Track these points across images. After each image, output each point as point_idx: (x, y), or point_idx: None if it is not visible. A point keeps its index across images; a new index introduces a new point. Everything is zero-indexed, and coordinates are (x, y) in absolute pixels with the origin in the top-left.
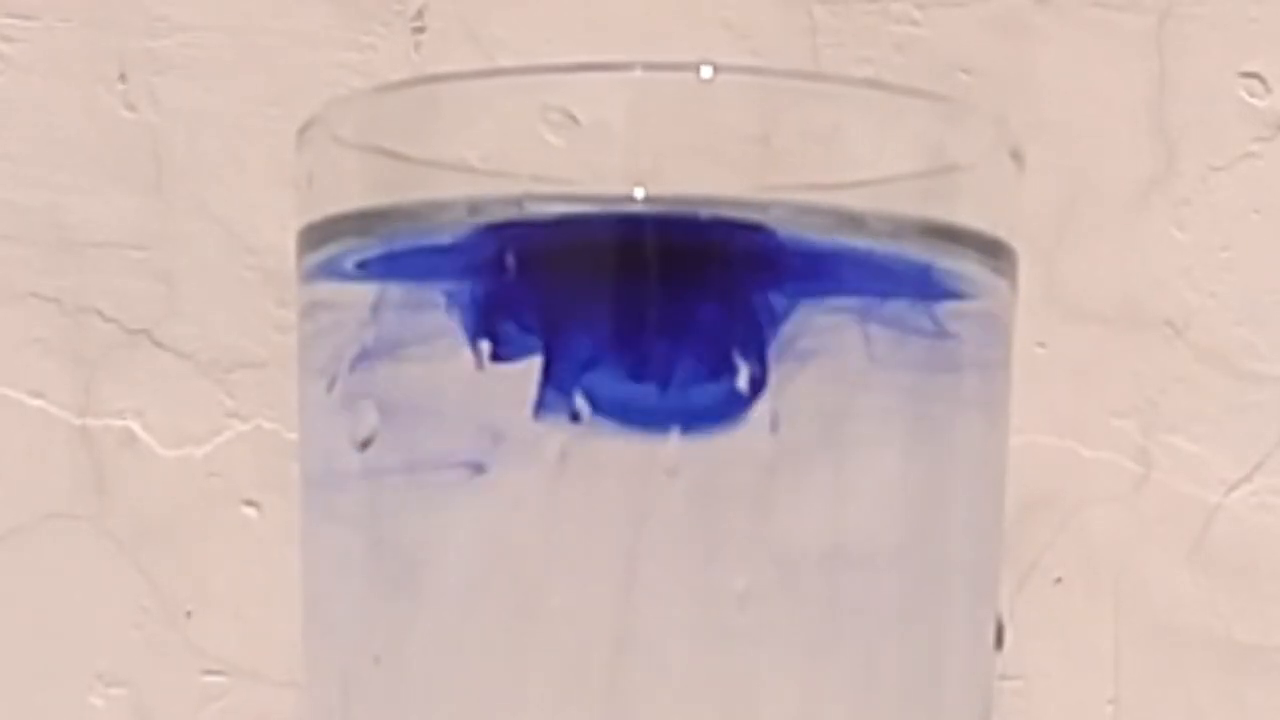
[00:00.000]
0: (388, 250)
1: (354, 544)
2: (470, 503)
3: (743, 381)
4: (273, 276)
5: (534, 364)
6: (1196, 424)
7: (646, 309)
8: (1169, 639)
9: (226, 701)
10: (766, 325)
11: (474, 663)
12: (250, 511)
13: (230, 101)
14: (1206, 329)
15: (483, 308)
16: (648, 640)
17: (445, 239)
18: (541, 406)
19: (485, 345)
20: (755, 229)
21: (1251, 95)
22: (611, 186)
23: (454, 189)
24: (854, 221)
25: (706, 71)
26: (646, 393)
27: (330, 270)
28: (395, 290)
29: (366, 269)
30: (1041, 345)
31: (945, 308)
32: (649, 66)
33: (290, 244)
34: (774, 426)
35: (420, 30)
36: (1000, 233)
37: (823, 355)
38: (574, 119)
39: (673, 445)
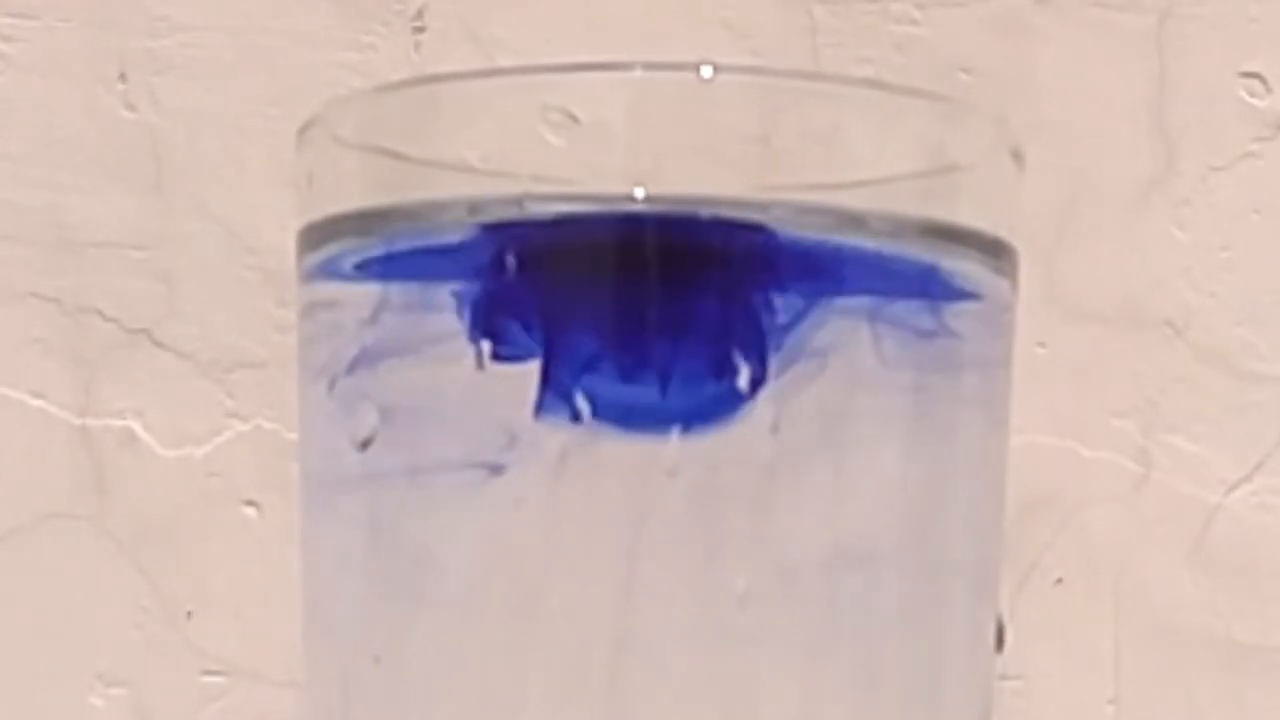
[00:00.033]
0: (388, 250)
1: (354, 544)
2: (470, 503)
3: (743, 381)
4: (273, 276)
5: (534, 364)
6: (1196, 424)
7: (646, 309)
8: (1169, 639)
9: (226, 701)
10: (766, 325)
11: (474, 663)
12: (250, 511)
13: (230, 101)
14: (1206, 329)
15: (483, 308)
16: (648, 640)
17: (445, 239)
18: (541, 407)
19: (485, 345)
20: (755, 229)
21: (1251, 95)
22: (611, 186)
23: (454, 189)
24: (854, 221)
25: (706, 71)
26: (647, 393)
27: (330, 270)
28: (395, 290)
29: (366, 269)
30: (1041, 345)
31: (946, 308)
32: (649, 66)
33: (290, 244)
34: (774, 427)
35: (420, 30)
36: (1000, 233)
37: (822, 355)
38: (574, 119)
39: (673, 445)
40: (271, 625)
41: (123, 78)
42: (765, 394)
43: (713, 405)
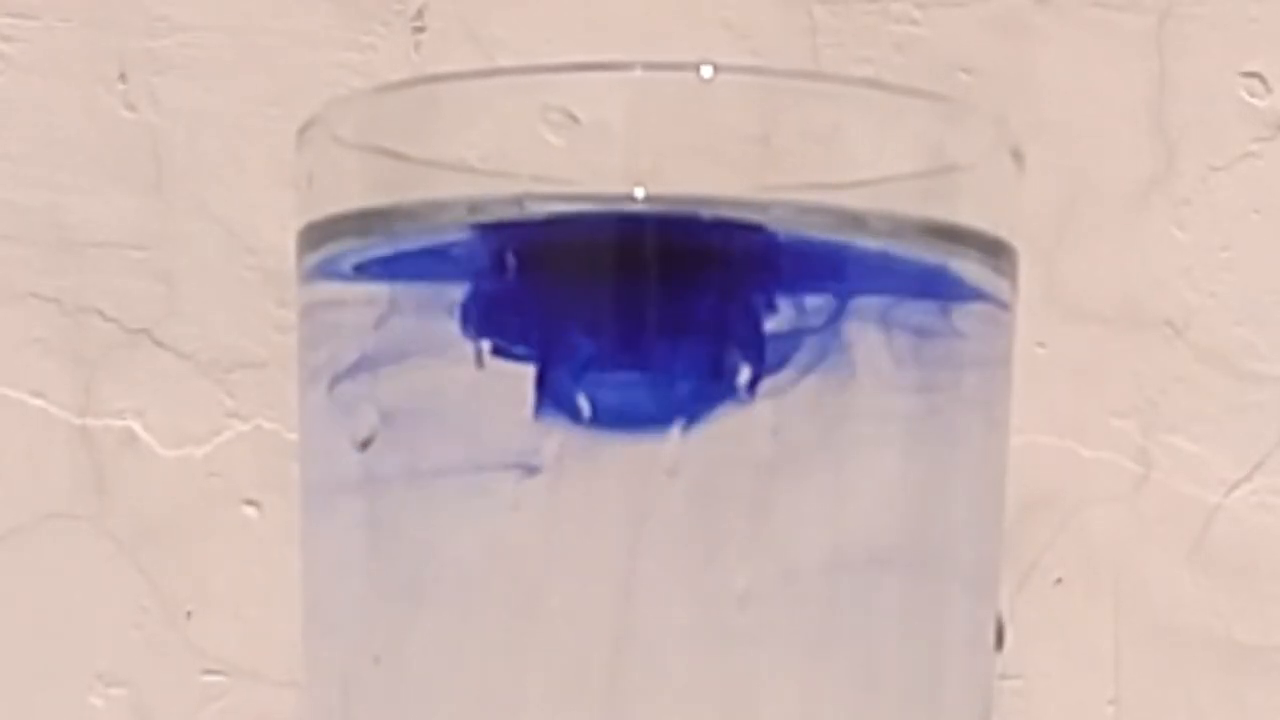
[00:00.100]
0: (388, 250)
1: (354, 544)
2: (470, 503)
3: (743, 381)
4: (273, 276)
5: (534, 364)
6: (1196, 424)
7: (646, 309)
8: (1169, 639)
9: (226, 701)
10: (766, 325)
11: (474, 663)
12: (250, 511)
13: (230, 101)
14: (1206, 329)
15: (483, 307)
16: (648, 640)
17: (445, 239)
18: (541, 407)
19: (485, 345)
20: (755, 229)
21: (1251, 95)
22: (611, 186)
23: (454, 189)
24: (854, 221)
25: (706, 71)
26: (647, 393)
27: (330, 270)
28: (395, 290)
29: (366, 269)
30: (1041, 345)
31: (945, 308)
32: (649, 66)
33: (290, 244)
34: (774, 427)
35: (420, 30)
36: (1000, 233)
37: (822, 355)
38: (574, 119)
39: (673, 445)
40: (271, 625)
41: (123, 78)
42: (765, 394)
43: (713, 405)
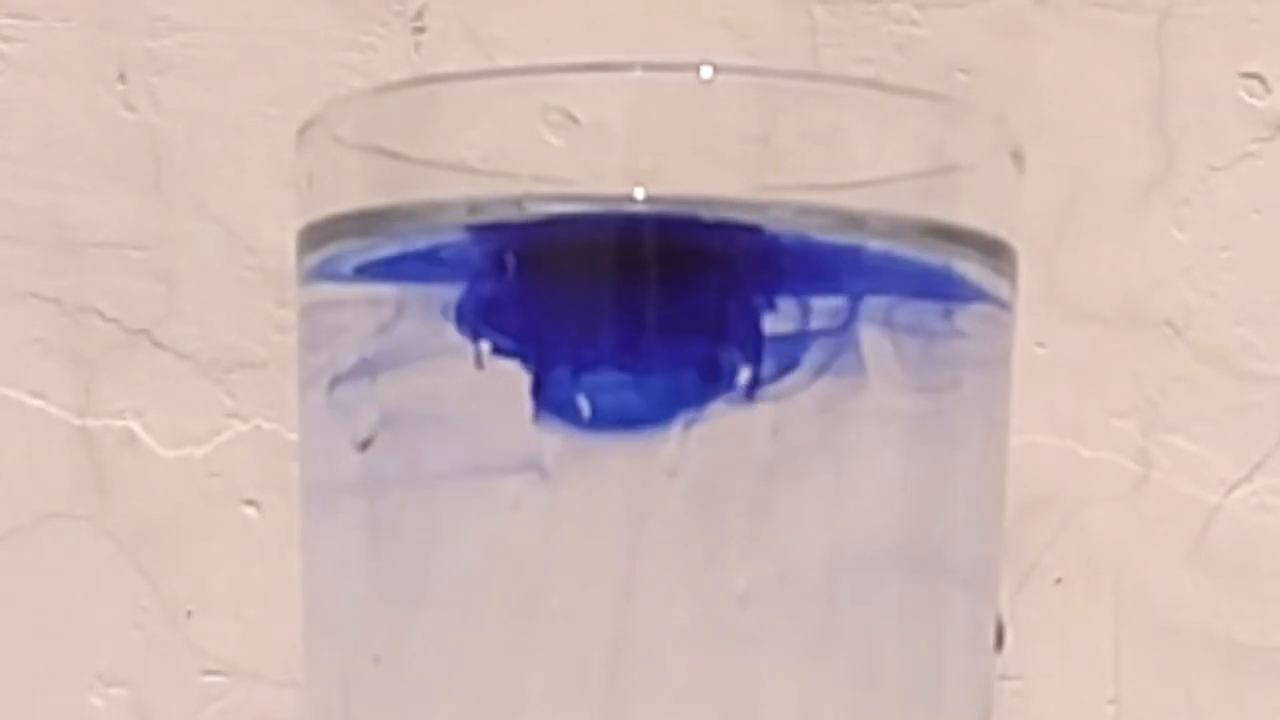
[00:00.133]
0: (387, 250)
1: (354, 544)
2: (470, 503)
3: (742, 381)
4: (273, 276)
5: (533, 365)
6: (1196, 424)
7: (646, 309)
8: (1169, 639)
9: (226, 701)
10: (766, 326)
11: (474, 663)
12: (250, 511)
13: (230, 101)
14: (1206, 329)
15: (482, 308)
16: (647, 641)
17: (445, 239)
18: (541, 407)
19: (485, 345)
20: (755, 229)
21: (1251, 95)
22: (611, 186)
23: (454, 189)
24: (854, 221)
25: (706, 71)
26: (646, 393)
27: (330, 270)
28: (395, 290)
29: (366, 269)
30: (1041, 345)
31: (945, 308)
32: (649, 66)
33: (290, 244)
34: (774, 427)
35: (420, 30)
36: (1000, 233)
37: (822, 355)
38: (574, 119)
39: (673, 445)
40: (271, 625)
41: (123, 78)
42: (764, 395)
43: (712, 406)
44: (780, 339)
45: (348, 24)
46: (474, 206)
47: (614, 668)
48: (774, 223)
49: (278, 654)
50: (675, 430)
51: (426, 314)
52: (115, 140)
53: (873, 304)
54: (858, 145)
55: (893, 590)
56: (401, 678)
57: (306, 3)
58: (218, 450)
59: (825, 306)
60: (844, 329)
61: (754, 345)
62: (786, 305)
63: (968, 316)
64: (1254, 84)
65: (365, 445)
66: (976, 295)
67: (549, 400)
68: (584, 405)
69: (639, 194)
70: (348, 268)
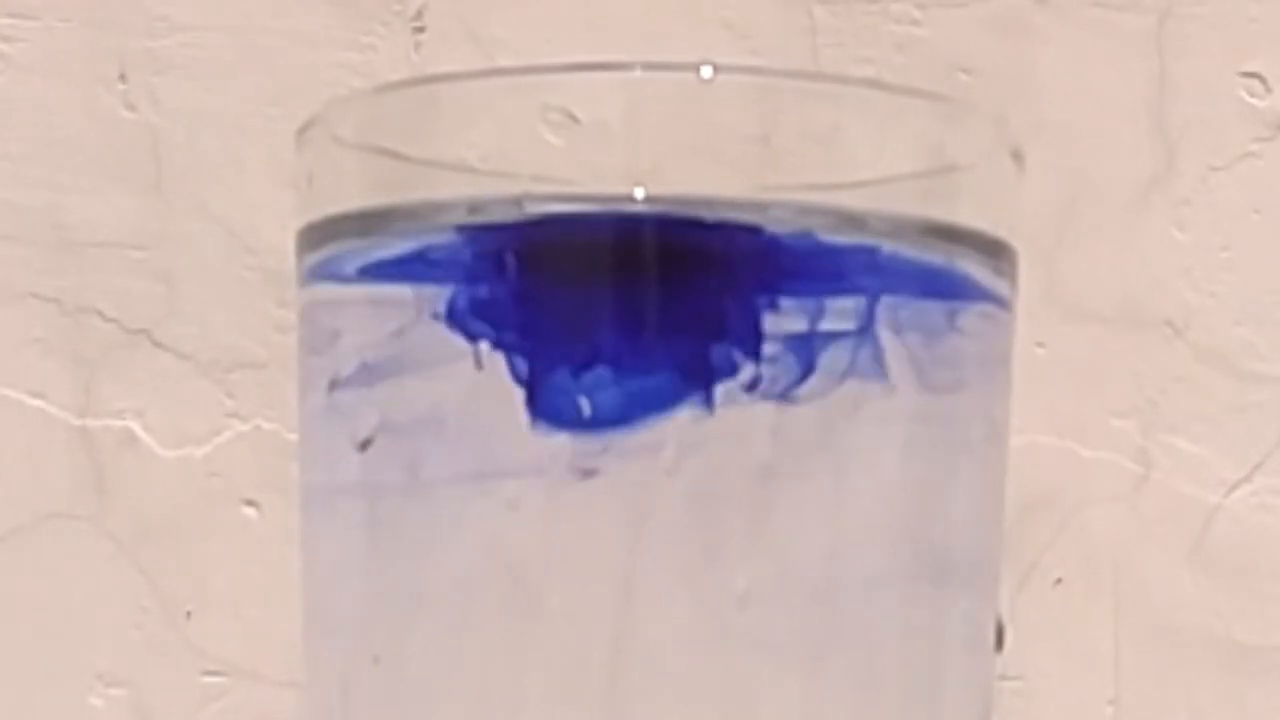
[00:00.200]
0: (387, 250)
1: (354, 544)
2: (469, 502)
3: (742, 381)
4: (273, 276)
5: (534, 364)
6: (1196, 424)
7: (646, 309)
8: (1169, 639)
9: (226, 701)
10: (766, 325)
11: (474, 663)
12: (250, 511)
13: (230, 101)
14: (1206, 329)
15: (482, 308)
16: (647, 641)
17: (445, 239)
18: (541, 407)
19: (484, 345)
20: (755, 229)
21: (1251, 95)
22: (611, 186)
23: (454, 189)
24: (854, 221)
25: (706, 71)
26: (646, 393)
27: (330, 271)
28: (395, 290)
29: (366, 269)
30: (1041, 345)
31: (945, 308)
32: (649, 66)
33: (290, 244)
34: (774, 427)
35: (420, 30)
36: (1000, 233)
37: (822, 355)
38: (574, 119)
39: (673, 445)
40: (271, 625)
41: (123, 78)
42: (764, 395)
43: (712, 406)
44: (780, 339)
45: (348, 24)
46: (474, 206)
47: (614, 668)
48: (774, 223)
49: (278, 654)
50: (675, 430)
51: (426, 314)
52: (115, 140)
53: (871, 304)
54: (858, 145)
55: (892, 590)
56: (401, 678)
57: (306, 3)
58: (218, 450)
59: (825, 306)
60: (842, 329)
61: (753, 345)
62: (786, 305)
63: (970, 316)
64: (1254, 84)
65: (365, 446)
66: (978, 295)
67: (549, 400)
68: (584, 405)
69: (639, 194)
70: (348, 268)
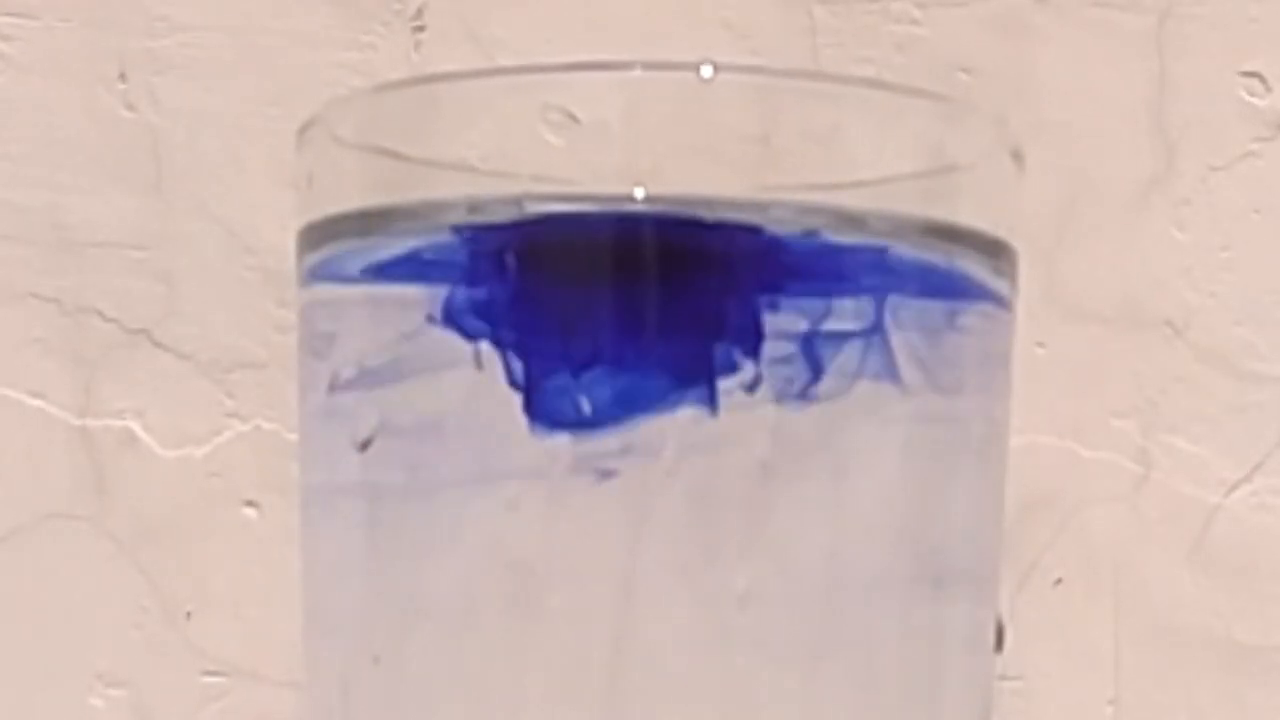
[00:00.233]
0: (388, 250)
1: (354, 545)
2: (469, 502)
3: (743, 381)
4: (273, 276)
5: (533, 364)
6: (1196, 424)
7: (646, 309)
8: (1169, 639)
9: (226, 701)
10: (766, 325)
11: (474, 663)
12: (250, 511)
13: (230, 101)
14: (1206, 329)
15: (482, 308)
16: (647, 641)
17: (445, 239)
18: (541, 407)
19: (485, 345)
20: (755, 229)
21: (1251, 95)
22: (611, 186)
23: (454, 189)
24: (854, 221)
25: (706, 71)
26: (646, 393)
27: (330, 271)
28: (395, 290)
29: (365, 269)
30: (1041, 345)
31: (945, 307)
32: (649, 66)
33: (290, 244)
34: (774, 427)
35: (420, 30)
36: (1000, 233)
37: (822, 355)
38: (574, 119)
39: (673, 445)
40: (271, 625)
41: (123, 78)
42: (764, 395)
43: (712, 406)
44: (780, 338)
45: (348, 24)
46: (473, 206)
47: (614, 668)
48: (774, 223)
49: (278, 654)
50: (676, 431)
51: (426, 314)
52: (115, 140)
53: (871, 303)
54: (858, 145)
55: (892, 590)
56: (401, 678)
57: (306, 3)
58: (218, 450)
59: (825, 306)
60: (842, 329)
61: (754, 345)
62: (786, 305)
63: (970, 316)
64: (1254, 84)
65: (365, 446)
66: (978, 295)
67: (549, 400)
68: (584, 405)
69: (639, 194)
70: (348, 268)
